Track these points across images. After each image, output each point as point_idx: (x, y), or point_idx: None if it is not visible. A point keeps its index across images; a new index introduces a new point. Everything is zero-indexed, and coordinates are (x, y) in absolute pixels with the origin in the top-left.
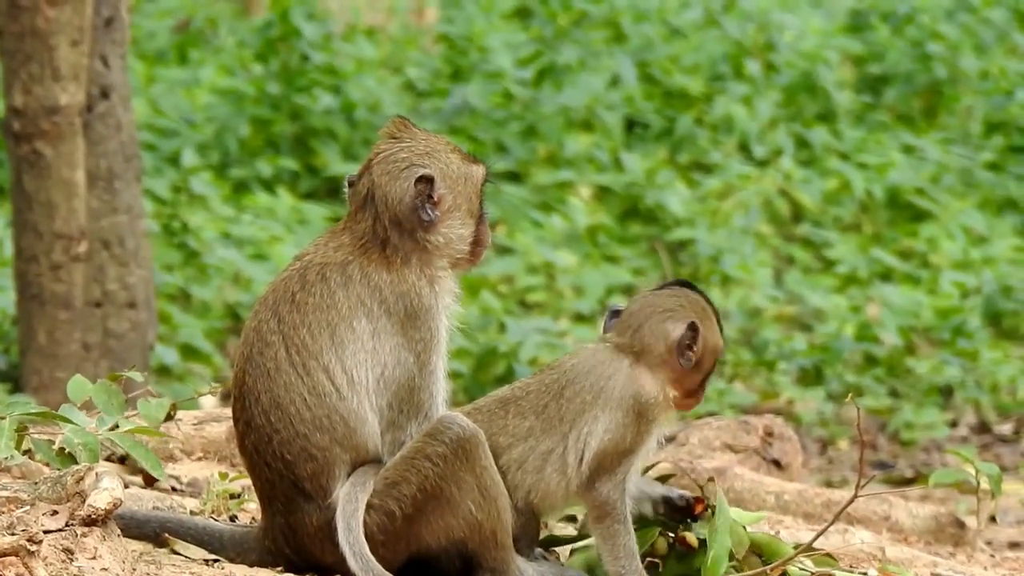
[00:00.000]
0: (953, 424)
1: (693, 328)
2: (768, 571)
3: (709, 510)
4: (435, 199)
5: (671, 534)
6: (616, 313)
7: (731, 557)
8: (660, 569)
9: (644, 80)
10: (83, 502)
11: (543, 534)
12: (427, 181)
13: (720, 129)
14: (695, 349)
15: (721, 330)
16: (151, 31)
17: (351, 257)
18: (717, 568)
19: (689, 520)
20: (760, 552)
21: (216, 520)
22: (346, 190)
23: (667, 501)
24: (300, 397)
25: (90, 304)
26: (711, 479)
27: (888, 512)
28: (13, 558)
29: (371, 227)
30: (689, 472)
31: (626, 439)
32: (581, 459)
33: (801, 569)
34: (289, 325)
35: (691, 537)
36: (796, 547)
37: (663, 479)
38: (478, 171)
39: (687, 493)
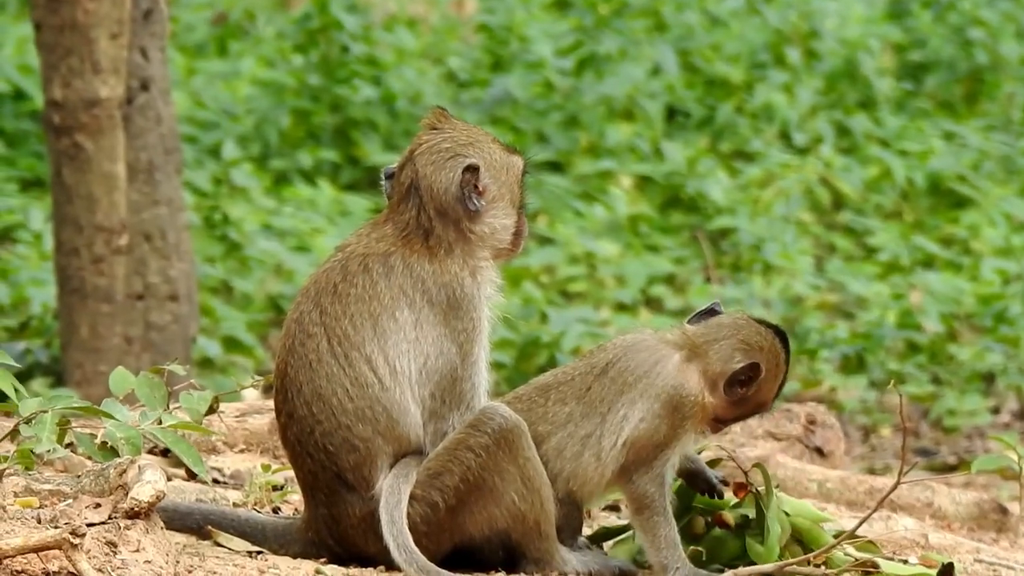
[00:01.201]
0: (995, 411)
1: (755, 369)
2: (811, 559)
3: (751, 494)
4: (480, 189)
5: (708, 517)
6: (712, 312)
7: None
8: (702, 556)
9: (685, 69)
10: (126, 495)
11: (590, 526)
12: (473, 171)
13: (761, 117)
14: (745, 390)
15: (778, 394)
16: (189, 24)
17: (394, 248)
18: (772, 553)
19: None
20: (801, 538)
21: (259, 512)
22: (383, 182)
23: (707, 481)
24: (342, 388)
25: (131, 297)
26: (757, 464)
27: (931, 499)
28: (56, 551)
29: (415, 217)
30: (731, 459)
31: (660, 431)
32: (615, 443)
33: (845, 555)
34: (331, 316)
35: (728, 516)
36: (838, 535)
37: (710, 464)
38: (518, 162)
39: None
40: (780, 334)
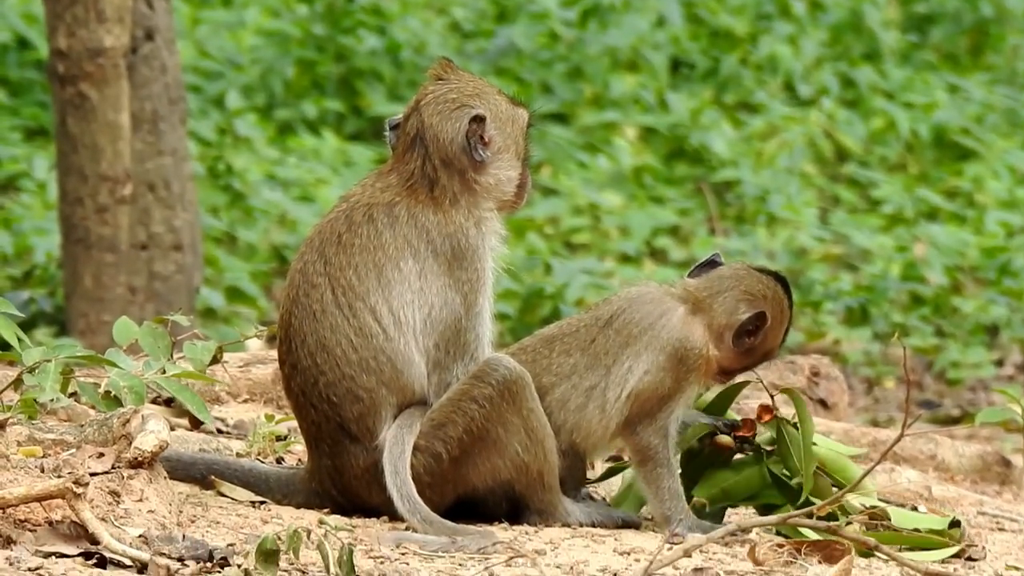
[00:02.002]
0: (999, 363)
1: (761, 319)
2: (815, 511)
3: (775, 419)
4: (485, 140)
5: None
6: (712, 264)
7: (794, 473)
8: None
9: (690, 20)
10: (129, 444)
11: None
12: (479, 121)
13: (765, 69)
14: (752, 339)
15: (783, 340)
16: None
17: (398, 198)
18: (807, 481)
19: (741, 443)
20: (824, 469)
21: (262, 462)
22: (387, 133)
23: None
24: (346, 339)
25: (135, 247)
26: (787, 390)
27: (934, 451)
28: (59, 500)
29: (420, 167)
30: (759, 383)
31: (665, 383)
32: (620, 395)
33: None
34: (335, 266)
35: (724, 439)
36: (842, 485)
37: (738, 387)
38: (523, 114)
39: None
40: (781, 280)
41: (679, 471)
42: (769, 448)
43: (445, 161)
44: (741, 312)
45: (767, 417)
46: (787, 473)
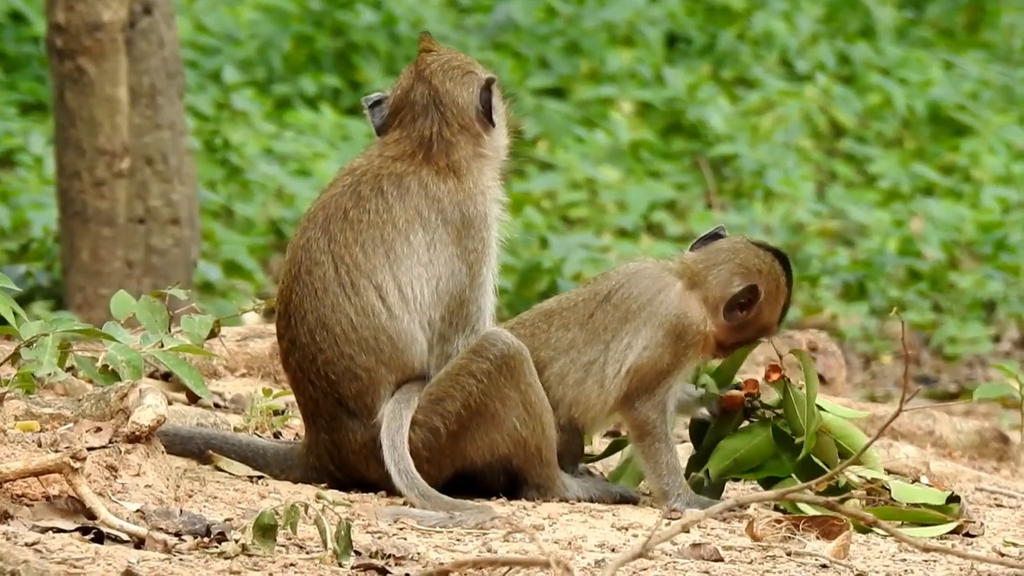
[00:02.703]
0: (996, 339)
1: (753, 292)
2: (813, 486)
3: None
4: (493, 105)
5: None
6: (716, 236)
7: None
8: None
9: None
10: (127, 419)
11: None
12: (492, 84)
13: (762, 44)
14: (745, 313)
15: (782, 316)
16: None
17: (410, 168)
18: (810, 440)
19: (750, 401)
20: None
21: (260, 437)
22: (366, 111)
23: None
24: (347, 318)
25: (133, 221)
26: (797, 351)
27: (932, 427)
28: (57, 475)
29: (437, 133)
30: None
31: (664, 359)
32: (619, 371)
33: (859, 477)
34: (341, 244)
35: (735, 394)
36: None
37: (743, 354)
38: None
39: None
40: (780, 256)
41: (676, 446)
42: (778, 411)
43: (463, 125)
44: (735, 285)
45: (775, 376)
46: (792, 434)
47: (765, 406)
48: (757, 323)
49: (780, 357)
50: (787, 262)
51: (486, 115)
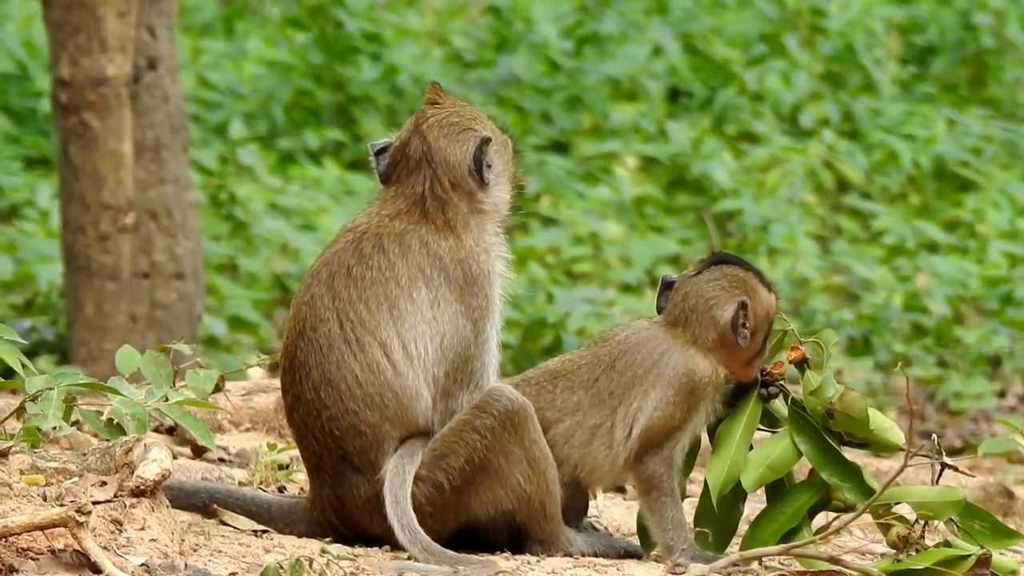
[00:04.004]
0: (1001, 394)
1: (742, 306)
2: (816, 540)
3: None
4: (488, 163)
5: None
6: (669, 285)
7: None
8: (708, 537)
9: (686, 50)
10: (132, 473)
11: (595, 507)
12: (487, 143)
13: (764, 100)
14: (748, 325)
15: (768, 287)
16: (196, 4)
17: (409, 226)
18: (823, 393)
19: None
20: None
21: (264, 491)
22: (371, 157)
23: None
24: (352, 374)
25: (137, 275)
26: (815, 340)
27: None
28: (62, 529)
29: (429, 189)
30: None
31: (675, 416)
32: (629, 434)
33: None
34: (345, 300)
35: (795, 352)
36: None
37: (774, 337)
38: (509, 141)
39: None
40: (719, 259)
41: (682, 500)
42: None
43: (454, 183)
44: (722, 316)
45: (794, 355)
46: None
47: (780, 387)
48: (761, 317)
49: (800, 341)
50: (726, 258)
51: (478, 173)
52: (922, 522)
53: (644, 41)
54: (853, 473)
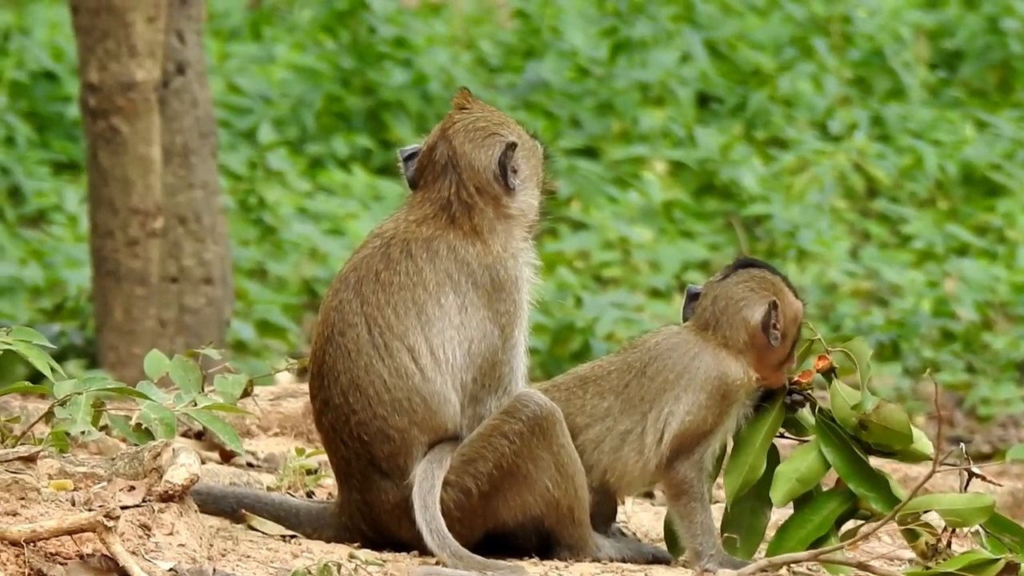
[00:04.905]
0: None
1: (773, 306)
2: (845, 547)
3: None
4: (515, 168)
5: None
6: (694, 296)
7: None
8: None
9: (714, 57)
10: (160, 478)
11: (623, 513)
12: (512, 148)
13: (793, 105)
14: (779, 326)
15: (795, 292)
16: (225, 9)
17: (437, 231)
18: (865, 399)
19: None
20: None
21: (293, 496)
22: (400, 163)
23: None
24: (380, 379)
25: (166, 280)
26: (846, 348)
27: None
28: (90, 534)
29: (455, 194)
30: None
31: (707, 420)
32: (660, 439)
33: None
34: (373, 305)
35: (823, 361)
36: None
37: (802, 344)
38: (539, 146)
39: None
40: (744, 263)
41: (711, 506)
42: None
43: (479, 188)
44: (752, 318)
45: (822, 363)
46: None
47: (807, 396)
48: (790, 319)
49: (827, 350)
50: (751, 262)
51: (503, 178)
52: (950, 530)
53: (674, 47)
54: (880, 484)
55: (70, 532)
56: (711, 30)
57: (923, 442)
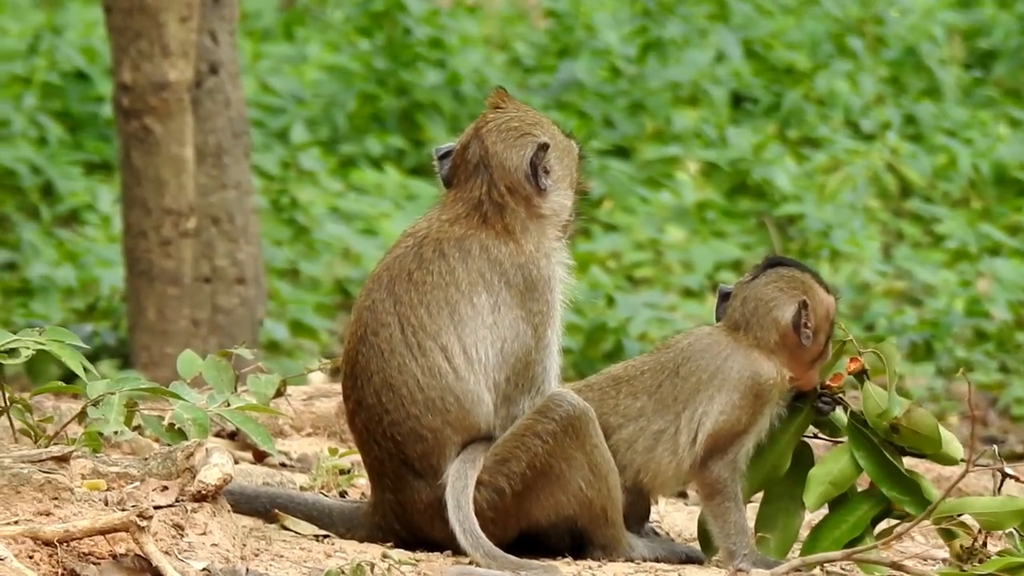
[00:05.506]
0: None
1: (803, 306)
2: (879, 545)
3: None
4: (547, 169)
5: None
6: (726, 296)
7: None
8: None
9: (748, 56)
10: (193, 478)
11: (657, 512)
12: (544, 149)
13: (827, 104)
14: (810, 324)
15: (826, 288)
16: (257, 9)
17: (469, 231)
18: (893, 405)
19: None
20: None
21: (326, 496)
22: (435, 162)
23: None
24: (413, 379)
25: (199, 280)
26: (876, 350)
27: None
28: (123, 534)
29: (486, 194)
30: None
31: (741, 420)
32: (694, 439)
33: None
34: (406, 305)
35: (854, 363)
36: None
37: (836, 345)
38: (575, 146)
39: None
40: (773, 262)
41: (745, 506)
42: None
43: (510, 188)
44: (783, 318)
45: (853, 366)
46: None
47: (837, 399)
48: (822, 316)
49: (859, 352)
50: (781, 261)
51: (534, 178)
52: (984, 531)
53: (707, 46)
54: (912, 487)
55: (103, 532)
56: (747, 29)
57: (953, 446)
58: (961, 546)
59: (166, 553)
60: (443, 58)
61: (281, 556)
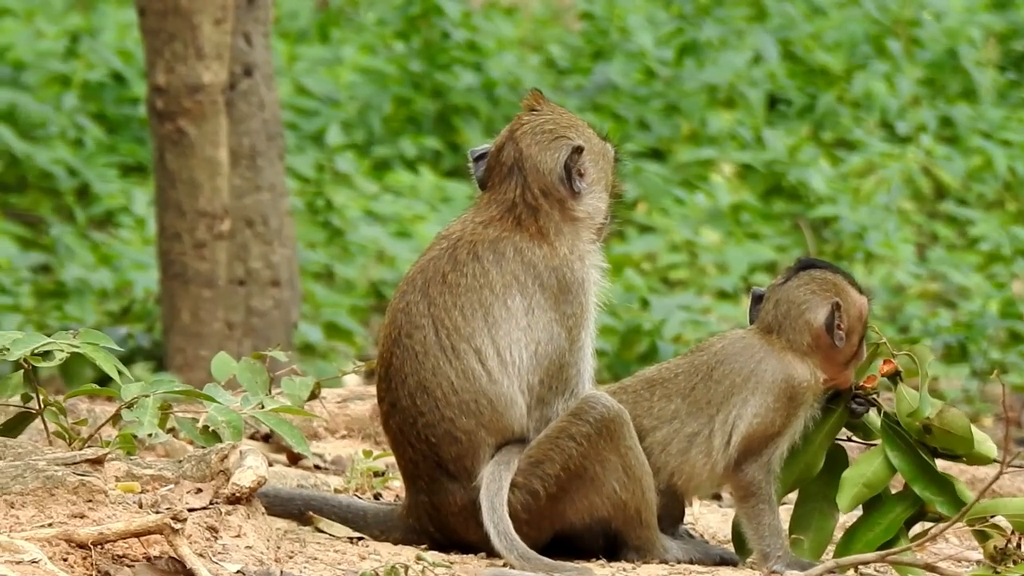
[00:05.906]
0: None
1: (836, 307)
2: (914, 547)
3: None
4: (581, 171)
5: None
6: (759, 298)
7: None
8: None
9: (785, 58)
10: (227, 480)
11: (691, 514)
12: (579, 152)
13: (862, 106)
14: (843, 326)
15: (859, 289)
16: (292, 11)
17: (504, 233)
18: (925, 406)
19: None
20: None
21: (360, 498)
22: (470, 164)
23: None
24: (447, 381)
25: (233, 282)
26: (909, 353)
27: None
28: (158, 536)
29: (520, 196)
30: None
31: (775, 423)
32: (728, 441)
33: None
34: (440, 307)
35: (888, 365)
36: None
37: (869, 345)
38: (611, 149)
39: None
40: (805, 264)
41: (779, 508)
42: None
43: (544, 191)
44: (816, 320)
45: (887, 368)
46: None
47: (870, 401)
48: (855, 317)
49: (892, 354)
50: (813, 263)
51: (568, 181)
52: (1018, 533)
53: (743, 48)
54: (946, 488)
55: (137, 534)
56: (785, 30)
57: (987, 446)
58: (995, 547)
59: (200, 555)
60: (478, 61)
61: (315, 558)
